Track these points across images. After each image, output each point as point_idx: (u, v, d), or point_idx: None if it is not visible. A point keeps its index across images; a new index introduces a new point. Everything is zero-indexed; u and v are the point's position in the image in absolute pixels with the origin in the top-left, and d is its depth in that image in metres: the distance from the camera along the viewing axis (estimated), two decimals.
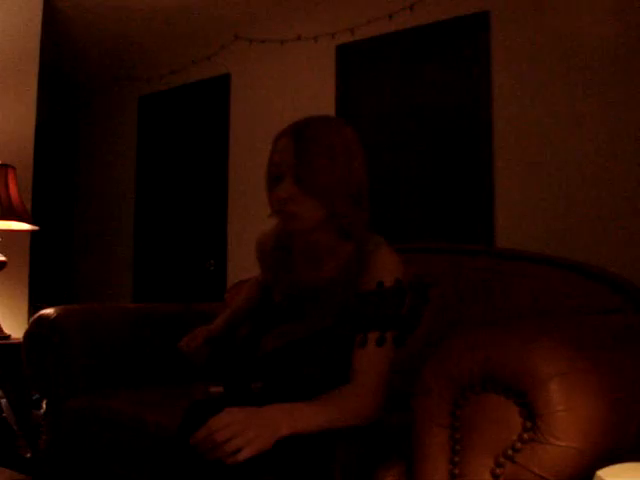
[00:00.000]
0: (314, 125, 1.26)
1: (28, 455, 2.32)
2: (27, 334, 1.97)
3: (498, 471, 0.90)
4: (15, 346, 2.53)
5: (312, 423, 1.08)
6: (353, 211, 1.25)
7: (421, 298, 0.82)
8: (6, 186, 2.72)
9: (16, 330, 2.89)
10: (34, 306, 3.29)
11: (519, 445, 0.89)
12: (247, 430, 1.01)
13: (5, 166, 2.76)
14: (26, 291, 3.25)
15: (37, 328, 1.95)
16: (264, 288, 1.50)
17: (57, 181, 5.18)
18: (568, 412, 0.86)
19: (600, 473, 0.79)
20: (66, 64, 4.69)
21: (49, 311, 1.97)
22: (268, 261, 1.45)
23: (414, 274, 0.85)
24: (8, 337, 2.78)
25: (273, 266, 1.43)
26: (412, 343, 1.53)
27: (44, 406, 2.11)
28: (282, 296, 1.37)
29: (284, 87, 3.90)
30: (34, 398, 2.72)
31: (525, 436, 0.88)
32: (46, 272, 4.80)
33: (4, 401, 2.45)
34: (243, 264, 3.80)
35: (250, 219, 3.88)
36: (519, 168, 3.02)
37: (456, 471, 0.94)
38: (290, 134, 1.25)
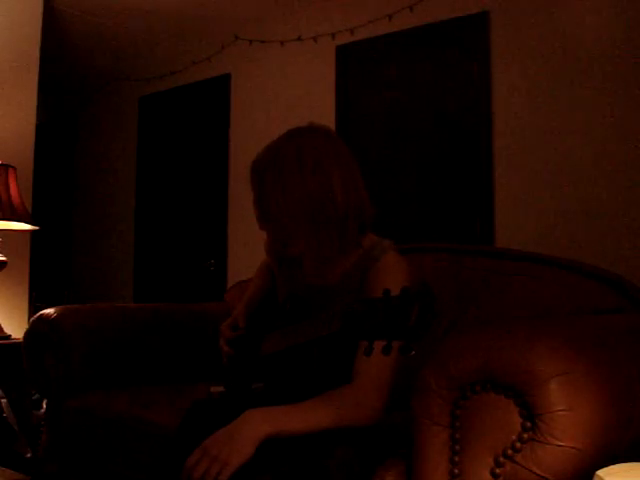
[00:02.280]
0: (265, 156, 1.27)
1: (28, 455, 2.32)
2: (27, 334, 1.97)
3: (498, 471, 0.91)
4: (15, 346, 2.53)
5: (298, 424, 1.08)
6: (322, 233, 1.23)
7: (429, 309, 0.81)
8: (6, 186, 2.72)
9: (16, 330, 2.89)
10: (34, 306, 3.29)
11: (519, 445, 0.89)
12: (219, 454, 1.04)
13: (5, 166, 2.76)
14: (26, 291, 3.25)
15: (37, 328, 1.95)
16: (273, 274, 1.51)
17: (57, 181, 5.18)
18: (568, 412, 0.86)
19: (600, 473, 0.79)
20: (66, 64, 4.69)
21: (49, 311, 1.97)
22: (276, 258, 1.46)
23: (421, 282, 0.84)
24: (8, 337, 2.78)
25: (280, 264, 1.43)
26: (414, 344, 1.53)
27: (44, 406, 2.11)
28: (286, 295, 1.37)
29: (284, 87, 3.90)
30: (34, 398, 2.72)
31: (525, 436, 0.88)
32: (46, 272, 4.80)
33: (4, 401, 2.45)
34: (243, 264, 3.80)
35: (250, 219, 3.84)
36: (519, 168, 3.02)
37: (456, 471, 0.95)
38: (251, 167, 1.30)
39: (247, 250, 3.80)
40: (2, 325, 2.83)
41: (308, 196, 1.20)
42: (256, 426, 1.06)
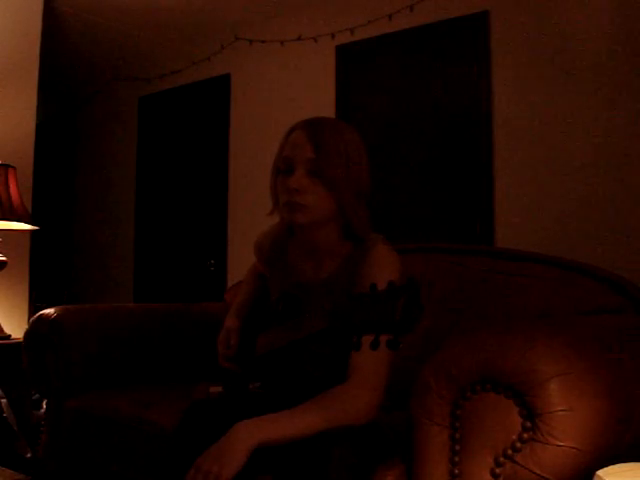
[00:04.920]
0: (329, 122, 1.29)
1: (28, 455, 2.32)
2: (27, 334, 1.97)
3: (498, 471, 0.91)
4: (15, 346, 2.53)
5: (288, 430, 1.10)
6: (360, 208, 1.27)
7: (414, 303, 0.82)
8: (6, 186, 2.72)
9: (16, 330, 2.89)
10: (34, 306, 3.29)
11: (519, 445, 0.89)
12: (210, 468, 1.06)
13: (5, 166, 2.76)
14: (26, 291, 3.25)
15: (37, 328, 1.95)
16: (263, 276, 1.50)
17: (57, 181, 5.18)
18: (568, 412, 0.86)
19: (600, 473, 0.79)
20: (66, 64, 4.68)
21: (49, 311, 1.97)
22: (265, 259, 1.45)
23: (408, 277, 0.85)
24: (8, 337, 2.77)
25: (270, 264, 1.43)
26: (412, 343, 1.54)
27: (44, 406, 2.11)
28: (279, 294, 1.37)
29: (284, 87, 3.90)
30: (34, 398, 2.72)
31: (525, 436, 0.88)
32: (46, 272, 4.80)
33: (4, 401, 2.45)
34: (243, 264, 3.79)
35: (250, 219, 3.88)
36: (519, 168, 3.02)
37: (456, 471, 0.95)
38: (304, 128, 1.26)
39: (247, 250, 3.78)
40: (2, 325, 2.82)
41: (360, 174, 1.27)
42: (244, 437, 1.08)
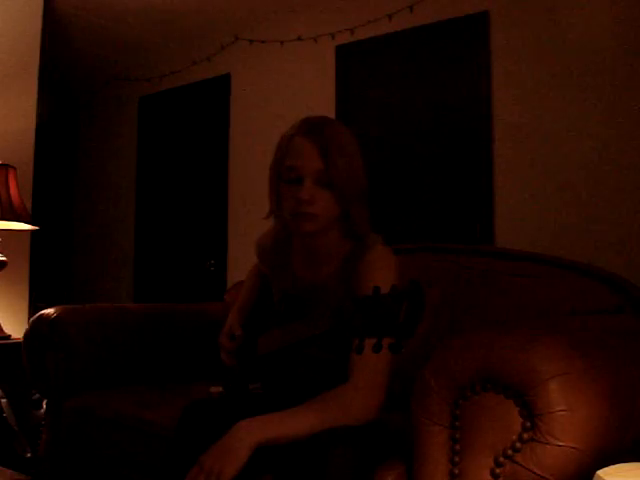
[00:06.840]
0: (329, 125, 1.27)
1: (28, 455, 2.32)
2: (27, 334, 1.97)
3: (498, 471, 0.91)
4: (15, 346, 2.52)
5: (289, 430, 1.11)
6: (363, 209, 1.28)
7: (418, 306, 0.82)
8: (6, 186, 2.72)
9: (16, 330, 2.89)
10: (34, 306, 3.28)
11: (519, 445, 0.89)
12: (213, 466, 1.07)
13: (5, 166, 2.76)
14: (26, 291, 3.25)
15: (37, 328, 1.95)
16: (264, 277, 1.50)
17: (57, 181, 5.18)
18: (568, 412, 0.86)
19: (600, 473, 0.79)
20: (66, 64, 4.68)
21: (49, 311, 1.97)
22: (267, 261, 1.45)
23: (410, 280, 0.85)
24: (8, 337, 2.77)
25: (272, 265, 1.43)
26: (412, 343, 1.54)
27: (44, 406, 2.11)
28: (281, 295, 1.37)
29: (284, 87, 3.90)
30: (34, 398, 2.72)
31: (525, 436, 0.88)
32: (46, 272, 4.80)
33: (4, 401, 2.45)
34: (243, 264, 3.79)
35: (250, 219, 3.88)
36: (519, 168, 3.02)
37: (456, 471, 0.95)
38: (307, 135, 1.24)
39: (247, 250, 3.78)
40: (2, 325, 2.82)
41: (361, 174, 1.27)
42: (245, 436, 1.09)
